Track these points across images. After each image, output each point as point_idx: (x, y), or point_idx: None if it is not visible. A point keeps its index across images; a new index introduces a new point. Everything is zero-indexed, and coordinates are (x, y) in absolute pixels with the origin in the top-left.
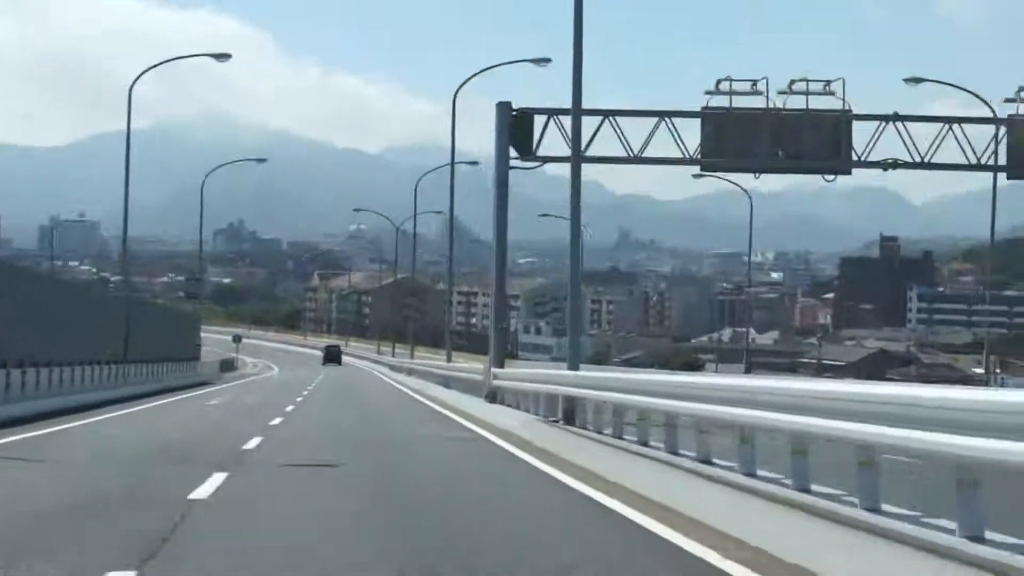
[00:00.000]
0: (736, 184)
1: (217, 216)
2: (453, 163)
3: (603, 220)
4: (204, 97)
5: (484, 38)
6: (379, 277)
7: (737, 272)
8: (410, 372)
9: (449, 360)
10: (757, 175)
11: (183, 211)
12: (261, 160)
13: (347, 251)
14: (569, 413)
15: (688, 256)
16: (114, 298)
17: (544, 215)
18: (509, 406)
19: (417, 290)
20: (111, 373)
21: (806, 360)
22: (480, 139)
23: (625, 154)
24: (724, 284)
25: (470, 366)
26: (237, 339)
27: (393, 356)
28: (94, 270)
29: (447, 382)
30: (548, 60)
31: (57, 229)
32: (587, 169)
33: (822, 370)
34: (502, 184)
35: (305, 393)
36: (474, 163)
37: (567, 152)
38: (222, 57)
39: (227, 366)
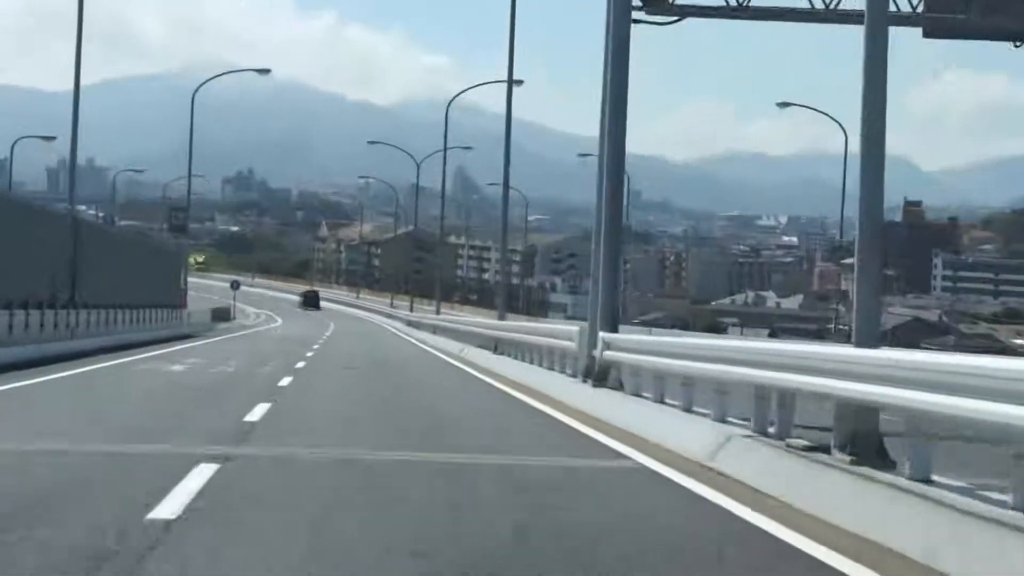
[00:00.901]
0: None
1: (227, 165)
2: (512, 76)
3: None
4: (218, 47)
5: None
6: (390, 228)
7: (748, 235)
8: (434, 330)
9: (502, 317)
10: (1018, 44)
11: (195, 159)
12: (264, 71)
13: (357, 202)
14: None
15: (700, 218)
16: (61, 223)
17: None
18: (630, 394)
19: (428, 243)
20: (45, 320)
21: (840, 326)
22: (496, 94)
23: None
24: (740, 246)
25: (538, 326)
26: (235, 285)
27: (412, 311)
28: (101, 214)
29: (495, 345)
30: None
31: (63, 172)
32: (596, 127)
33: (851, 336)
34: (620, 47)
35: (310, 355)
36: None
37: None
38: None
39: (221, 316)
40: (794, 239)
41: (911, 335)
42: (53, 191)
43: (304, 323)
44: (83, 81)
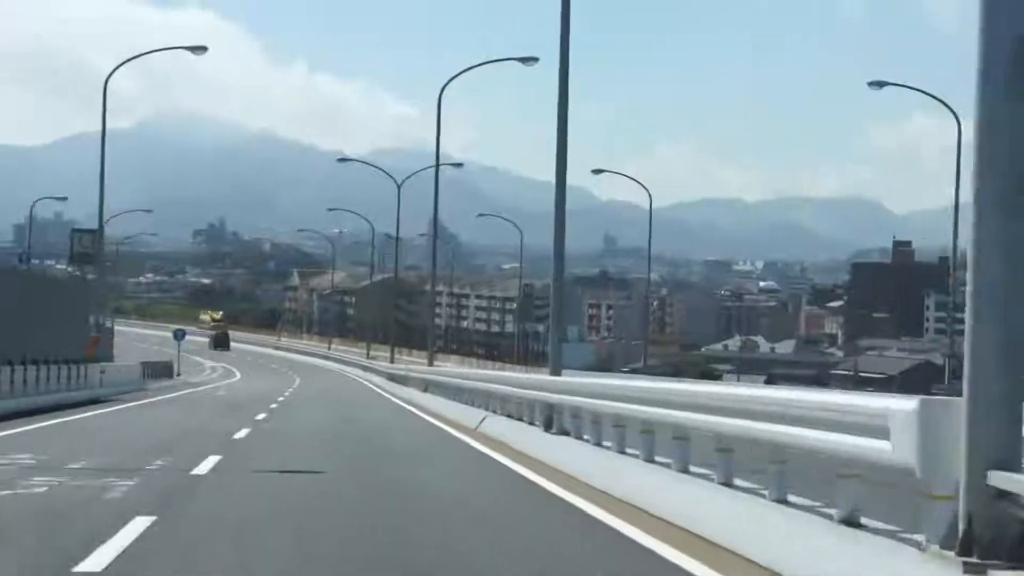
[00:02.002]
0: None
1: (198, 217)
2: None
3: (589, 226)
4: (187, 97)
5: (468, 43)
6: (364, 275)
7: (726, 280)
8: (426, 386)
9: (557, 372)
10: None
11: (166, 212)
12: (199, 49)
13: (329, 253)
14: None
15: (676, 264)
16: None
17: (483, 215)
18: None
19: (405, 291)
20: None
21: (840, 372)
22: (462, 141)
23: None
24: (724, 291)
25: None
26: (179, 335)
27: (392, 362)
28: (69, 268)
29: (548, 416)
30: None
31: (31, 225)
32: (571, 176)
33: (860, 383)
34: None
35: (240, 436)
36: (458, 164)
37: None
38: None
39: (161, 371)
40: (773, 283)
41: (920, 380)
42: (21, 245)
43: (265, 377)
44: (54, 135)
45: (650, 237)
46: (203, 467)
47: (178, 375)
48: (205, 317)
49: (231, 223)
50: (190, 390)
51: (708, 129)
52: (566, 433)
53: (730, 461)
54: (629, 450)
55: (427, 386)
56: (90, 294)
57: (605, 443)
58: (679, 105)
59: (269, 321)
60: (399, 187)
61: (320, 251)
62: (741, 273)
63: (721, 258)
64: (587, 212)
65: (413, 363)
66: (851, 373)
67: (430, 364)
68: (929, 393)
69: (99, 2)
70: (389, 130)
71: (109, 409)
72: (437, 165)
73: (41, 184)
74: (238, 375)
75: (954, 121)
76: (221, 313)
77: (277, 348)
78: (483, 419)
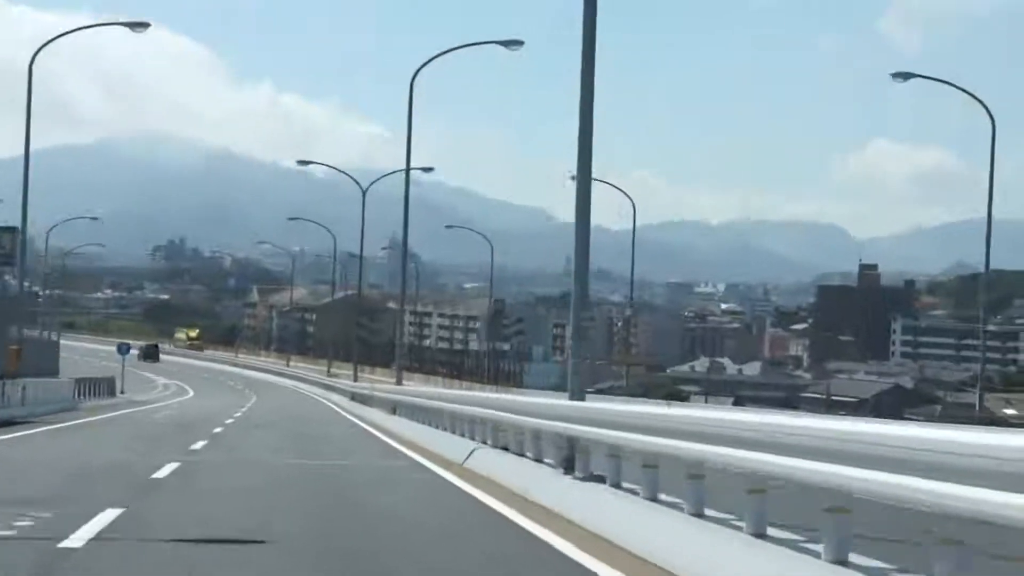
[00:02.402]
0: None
1: (159, 234)
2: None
3: (550, 247)
4: (150, 116)
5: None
6: (324, 292)
7: (688, 302)
8: (395, 408)
9: (579, 397)
10: None
11: (128, 228)
12: (139, 26)
13: (289, 271)
14: None
15: (638, 285)
16: None
17: (451, 226)
18: None
19: (368, 308)
20: None
21: (810, 395)
22: (431, 156)
23: None
24: (688, 312)
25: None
26: (123, 350)
27: (355, 380)
28: (26, 283)
29: (568, 455)
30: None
31: None
32: (532, 196)
33: (831, 406)
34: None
35: (160, 476)
36: (429, 169)
37: None
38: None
39: (101, 388)
40: (735, 305)
41: (891, 403)
42: None
43: (219, 395)
44: (16, 151)
45: (633, 258)
46: (85, 531)
47: (122, 392)
48: (180, 335)
49: (191, 240)
50: (131, 409)
51: (675, 153)
52: (598, 479)
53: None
54: (709, 511)
55: (396, 407)
56: (8, 301)
57: (663, 496)
58: (649, 127)
59: (228, 338)
60: (364, 192)
61: (280, 268)
62: (703, 295)
63: (684, 280)
64: (549, 232)
65: (377, 381)
66: (822, 396)
67: (398, 383)
68: (902, 418)
69: (67, 23)
70: (356, 150)
71: (16, 435)
72: (408, 169)
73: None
74: (191, 393)
75: (911, 149)
76: (198, 331)
77: (235, 365)
78: (471, 452)
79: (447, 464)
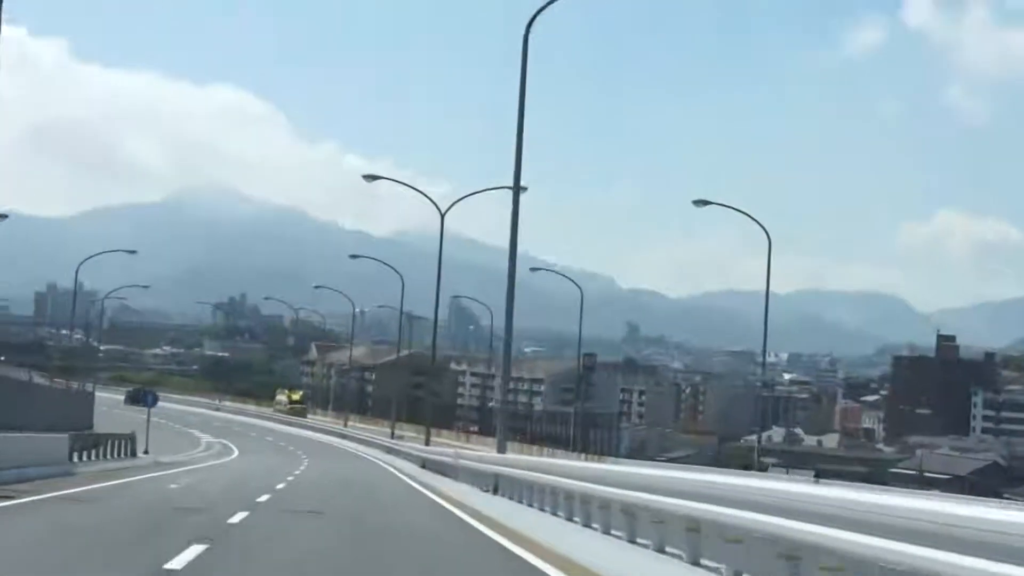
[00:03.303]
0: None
1: (221, 292)
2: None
3: (612, 314)
4: (216, 173)
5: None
6: (384, 352)
7: (750, 371)
8: (496, 485)
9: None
10: None
11: (191, 285)
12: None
13: (349, 331)
14: None
15: (698, 353)
16: None
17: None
18: None
19: (428, 368)
20: None
21: (900, 471)
22: (491, 227)
23: None
24: (757, 382)
25: None
26: (145, 399)
27: (427, 443)
28: (86, 338)
29: None
30: (524, 189)
31: (51, 296)
32: (598, 263)
33: (925, 483)
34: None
35: None
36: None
37: None
38: None
39: (114, 447)
40: (797, 375)
41: (987, 482)
42: (41, 315)
43: (266, 458)
44: (78, 207)
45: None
46: None
47: (145, 452)
48: (282, 397)
49: (251, 297)
50: (144, 476)
51: (736, 221)
52: None
53: None
54: None
55: (497, 484)
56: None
57: None
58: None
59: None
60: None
61: (340, 328)
62: (767, 365)
63: (745, 348)
64: (610, 299)
65: (454, 446)
66: (913, 472)
67: (501, 451)
68: (999, 496)
69: (134, 79)
70: (414, 213)
71: None
72: (517, 199)
73: (62, 257)
74: (235, 453)
75: (980, 219)
76: (301, 393)
77: (289, 424)
78: None
79: None
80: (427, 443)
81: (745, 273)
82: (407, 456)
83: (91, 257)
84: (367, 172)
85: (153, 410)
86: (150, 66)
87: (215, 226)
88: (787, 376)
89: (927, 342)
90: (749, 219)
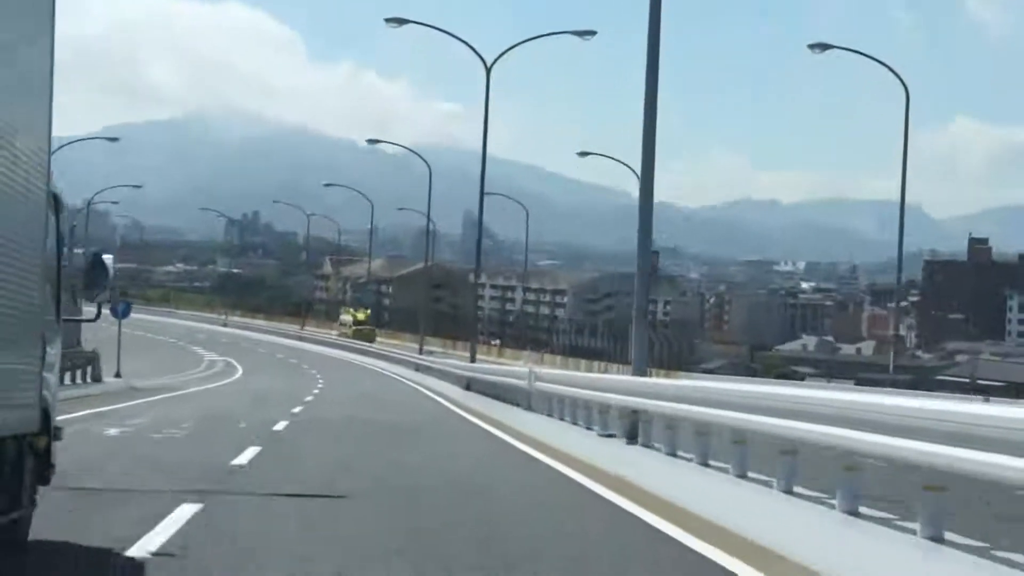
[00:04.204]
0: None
1: (235, 209)
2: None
3: (623, 226)
4: (231, 91)
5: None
6: (400, 264)
7: (769, 280)
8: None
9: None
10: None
11: (202, 202)
12: None
13: (365, 247)
14: None
15: (714, 263)
16: None
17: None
18: None
19: (448, 280)
20: None
21: (948, 377)
22: (506, 136)
23: None
24: (780, 290)
25: None
26: (118, 310)
27: (473, 360)
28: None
29: None
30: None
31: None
32: (607, 175)
33: (978, 391)
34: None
35: None
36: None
37: None
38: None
39: (80, 362)
40: (821, 283)
41: None
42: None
43: (276, 378)
44: (91, 127)
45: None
46: None
47: (117, 376)
48: (346, 316)
49: (265, 215)
50: (83, 412)
51: (752, 136)
52: None
53: None
54: None
55: (635, 425)
56: None
57: None
58: (722, 112)
59: (300, 312)
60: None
61: (355, 244)
62: (783, 274)
63: (761, 258)
64: (623, 211)
65: (489, 361)
66: (965, 380)
67: (645, 374)
68: None
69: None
70: (430, 127)
71: None
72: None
73: (80, 176)
74: (239, 372)
75: (994, 127)
76: (368, 312)
77: (301, 339)
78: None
79: None
80: (472, 360)
81: (752, 185)
82: (440, 375)
83: (104, 190)
84: (383, 89)
85: (159, 327)
86: None
87: (228, 146)
88: (805, 285)
89: (950, 249)
90: (882, 66)
